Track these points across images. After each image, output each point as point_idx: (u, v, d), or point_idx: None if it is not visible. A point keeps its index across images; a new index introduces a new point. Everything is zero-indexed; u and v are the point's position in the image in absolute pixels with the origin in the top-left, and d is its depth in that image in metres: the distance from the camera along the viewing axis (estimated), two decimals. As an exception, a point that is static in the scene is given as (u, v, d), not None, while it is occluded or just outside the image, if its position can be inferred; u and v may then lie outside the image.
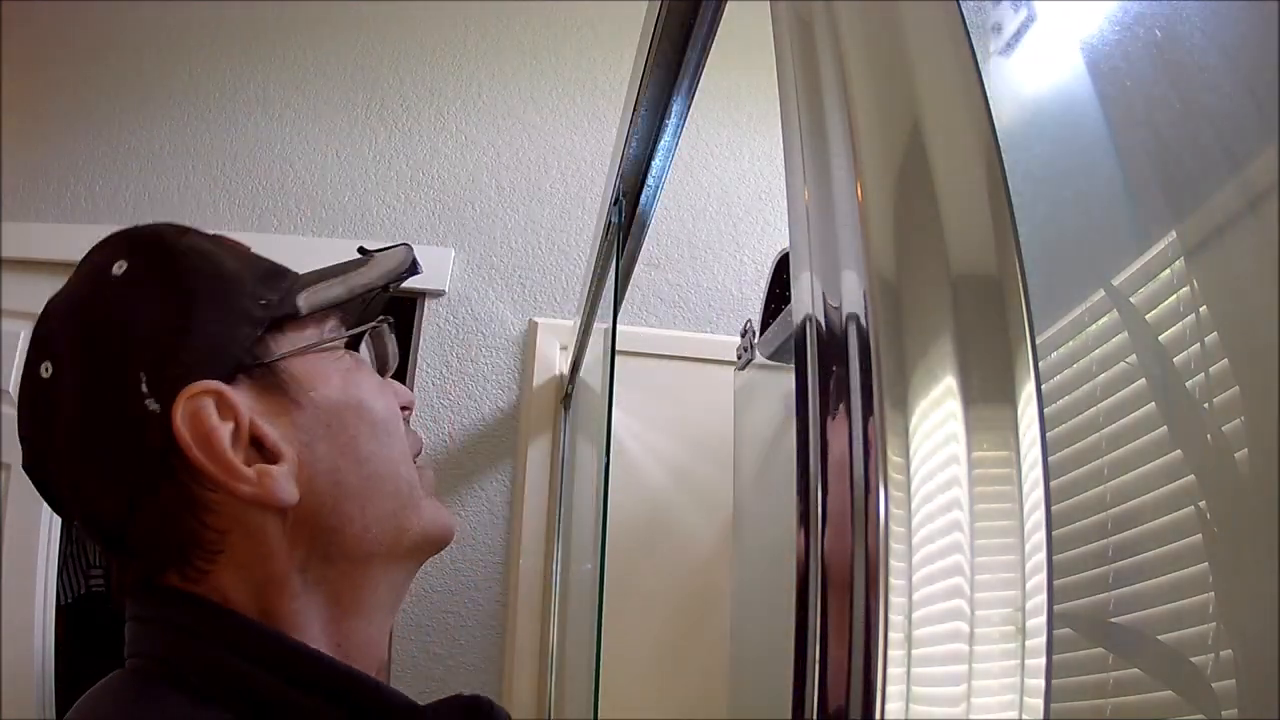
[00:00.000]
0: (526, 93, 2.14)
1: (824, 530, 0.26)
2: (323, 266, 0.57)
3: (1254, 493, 0.48)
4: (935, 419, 0.24)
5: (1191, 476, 0.54)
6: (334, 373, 0.54)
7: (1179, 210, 0.56)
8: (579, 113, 2.14)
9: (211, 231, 0.58)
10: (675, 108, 0.94)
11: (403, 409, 0.58)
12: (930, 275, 0.26)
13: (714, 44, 0.82)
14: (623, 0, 2.15)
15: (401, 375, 1.89)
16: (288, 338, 0.53)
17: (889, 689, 0.23)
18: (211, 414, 0.48)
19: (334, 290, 0.56)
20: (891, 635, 0.23)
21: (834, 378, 0.27)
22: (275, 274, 0.55)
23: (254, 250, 0.58)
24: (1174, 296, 0.56)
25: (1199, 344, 0.54)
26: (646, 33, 0.83)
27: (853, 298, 0.27)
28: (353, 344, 0.59)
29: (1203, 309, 0.54)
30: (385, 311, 0.62)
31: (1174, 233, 0.56)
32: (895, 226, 0.27)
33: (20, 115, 2.01)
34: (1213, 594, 0.51)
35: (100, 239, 0.56)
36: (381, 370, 0.62)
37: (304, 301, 0.54)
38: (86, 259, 0.55)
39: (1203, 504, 0.52)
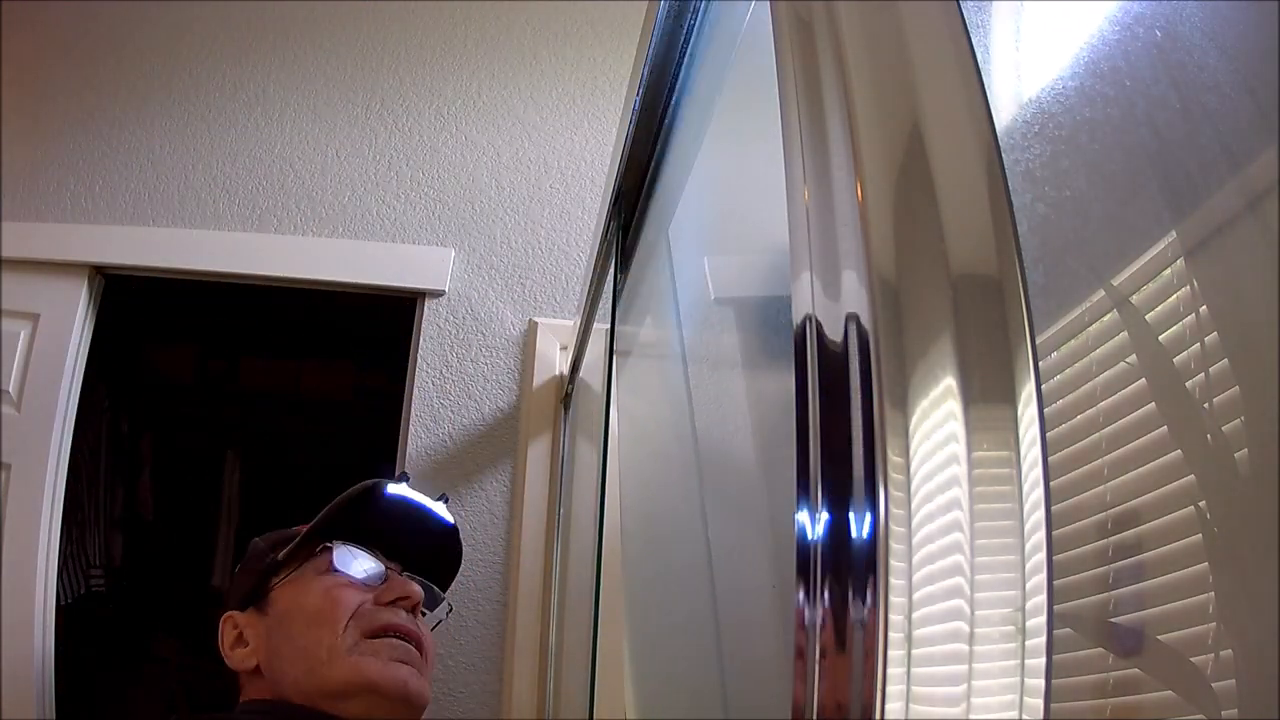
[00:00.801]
0: (526, 93, 2.14)
1: (824, 530, 0.26)
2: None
3: (1254, 493, 0.48)
4: (935, 419, 0.24)
5: (1191, 476, 0.54)
6: (298, 591, 0.94)
7: (1179, 210, 0.56)
8: (579, 113, 2.14)
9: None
10: (674, 108, 0.94)
11: (399, 599, 0.94)
12: (930, 275, 0.26)
13: (713, 43, 0.82)
14: (623, 0, 2.15)
15: (401, 375, 1.89)
16: (280, 575, 0.97)
17: (889, 689, 0.23)
18: (229, 629, 0.97)
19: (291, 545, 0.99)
20: (891, 635, 0.23)
21: (834, 378, 0.27)
22: (274, 542, 1.02)
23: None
24: (1174, 296, 0.56)
25: (1199, 344, 0.54)
26: (646, 33, 0.83)
27: (853, 298, 0.27)
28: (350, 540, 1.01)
29: (1203, 309, 0.54)
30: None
31: (1174, 233, 0.56)
32: (895, 226, 0.27)
33: (20, 115, 2.01)
34: (1213, 594, 0.51)
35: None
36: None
37: (281, 554, 0.97)
38: None
39: (1203, 504, 0.52)
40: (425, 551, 1.04)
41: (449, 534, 1.08)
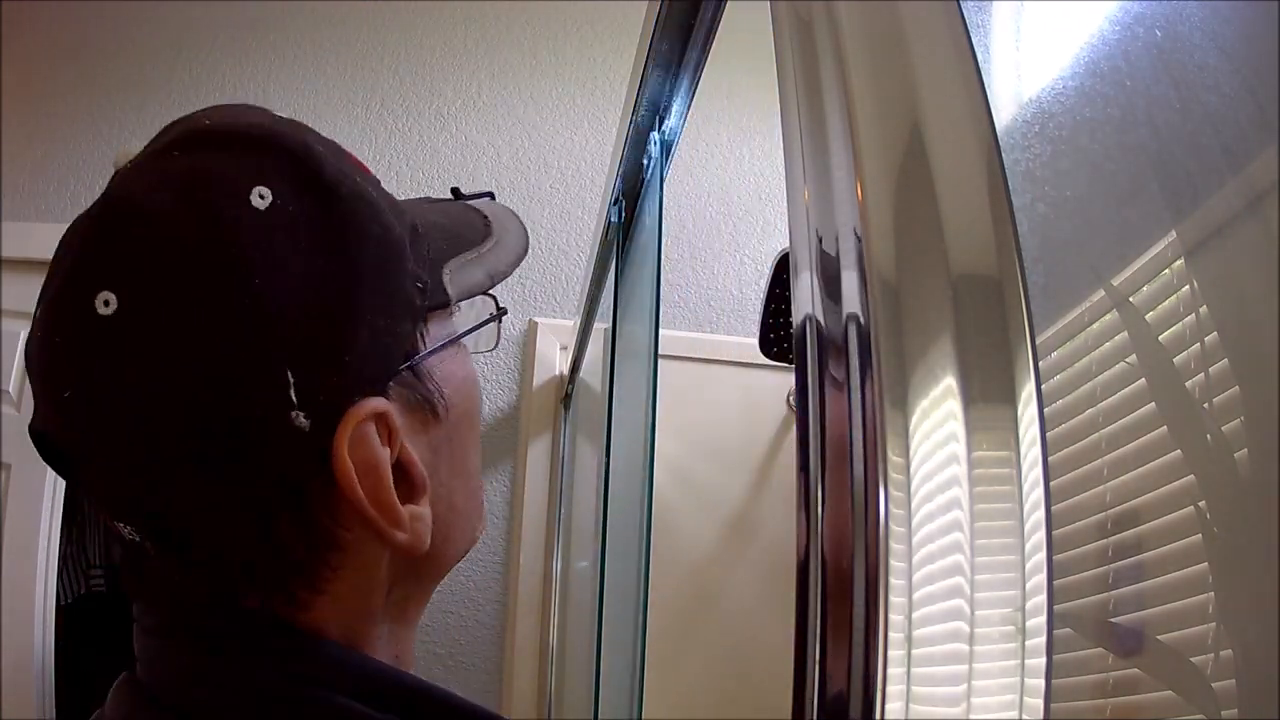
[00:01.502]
0: (526, 93, 2.14)
1: (824, 530, 0.26)
2: (440, 227, 0.46)
3: (1254, 493, 0.48)
4: (935, 419, 0.24)
5: (1191, 476, 0.54)
6: (458, 372, 0.45)
7: (1179, 210, 0.56)
8: (579, 113, 2.14)
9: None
10: (675, 108, 0.94)
11: None
12: (930, 275, 0.26)
13: (714, 44, 0.82)
14: (623, 0, 2.15)
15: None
16: (430, 331, 0.43)
17: (889, 689, 0.23)
18: (376, 446, 0.39)
19: (476, 276, 0.46)
20: (891, 635, 0.23)
21: (834, 378, 0.27)
22: (415, 236, 0.43)
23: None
24: (1174, 296, 0.56)
25: (1199, 344, 0.54)
26: (646, 33, 0.83)
27: (853, 298, 0.27)
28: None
29: (1203, 309, 0.54)
30: None
31: (1174, 233, 0.56)
32: (895, 226, 0.27)
33: (21, 115, 2.01)
34: (1213, 594, 0.51)
35: (207, 115, 0.41)
36: None
37: (454, 289, 0.44)
38: (199, 156, 0.39)
39: (1203, 504, 0.52)
40: None
41: None
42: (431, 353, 0.42)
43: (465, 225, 0.48)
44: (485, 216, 0.49)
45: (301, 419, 0.37)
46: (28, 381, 0.43)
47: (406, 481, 0.41)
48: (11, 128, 1.99)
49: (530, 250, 2.00)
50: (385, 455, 0.39)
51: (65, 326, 0.37)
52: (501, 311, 0.50)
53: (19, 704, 1.62)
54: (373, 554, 0.41)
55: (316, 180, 0.39)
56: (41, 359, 0.39)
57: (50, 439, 0.40)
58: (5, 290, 1.78)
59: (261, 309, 0.36)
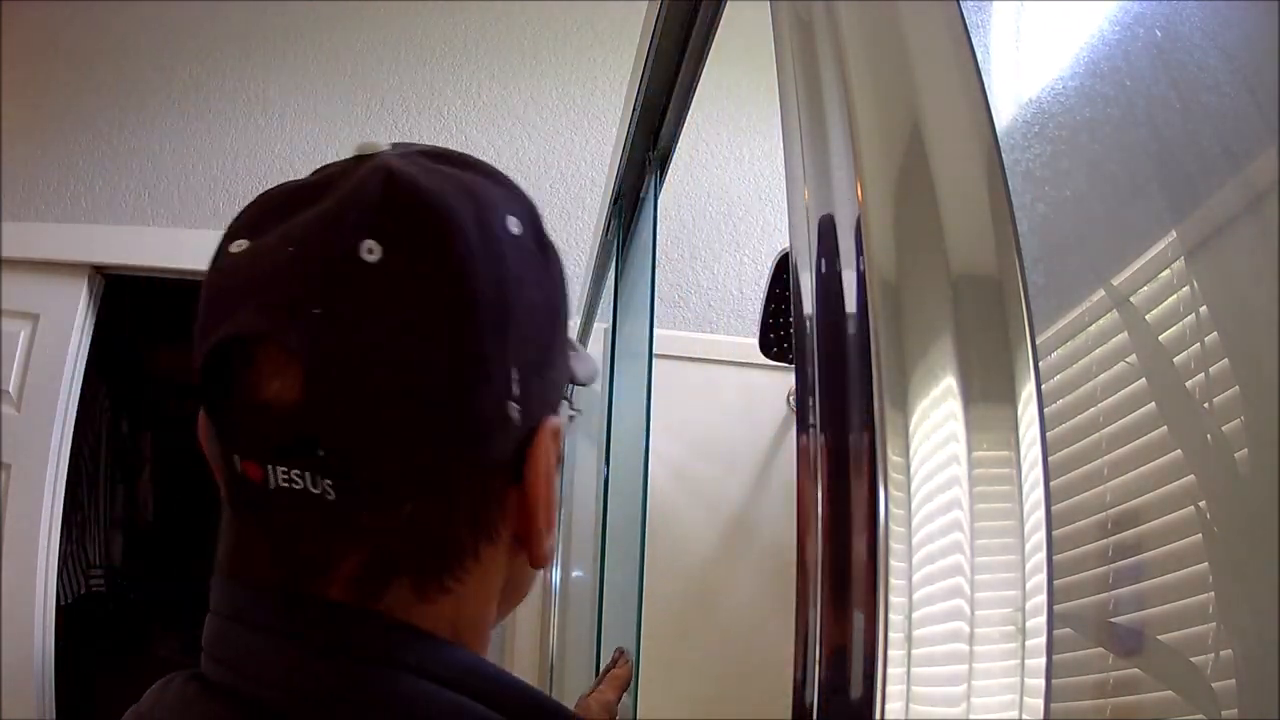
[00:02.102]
0: (526, 93, 2.14)
1: (824, 530, 0.26)
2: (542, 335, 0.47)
3: (1254, 493, 0.48)
4: (935, 419, 0.24)
5: (1191, 476, 0.54)
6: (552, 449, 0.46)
7: (1179, 210, 0.56)
8: (579, 113, 2.14)
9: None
10: (675, 107, 0.94)
11: None
12: (930, 275, 0.26)
13: (714, 44, 0.82)
14: (623, 0, 2.15)
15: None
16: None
17: (889, 689, 0.23)
18: (554, 458, 0.42)
19: (586, 369, 0.51)
20: (891, 635, 0.23)
21: (834, 378, 0.27)
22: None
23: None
24: (1174, 296, 0.56)
25: (1199, 344, 0.54)
26: (646, 33, 0.83)
27: (853, 298, 0.27)
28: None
29: (1203, 309, 0.54)
30: None
31: (1174, 233, 0.56)
32: (895, 226, 0.27)
33: (20, 115, 2.00)
34: (1213, 594, 0.51)
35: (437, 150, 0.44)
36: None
37: (580, 371, 0.48)
38: (468, 174, 0.43)
39: (1203, 504, 0.52)
40: None
41: None
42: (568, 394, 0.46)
43: (563, 340, 0.50)
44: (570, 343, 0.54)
45: (515, 410, 0.40)
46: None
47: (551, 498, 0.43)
48: (11, 128, 1.99)
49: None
50: (551, 472, 0.42)
51: (325, 256, 0.38)
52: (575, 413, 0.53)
53: (19, 704, 1.62)
54: (504, 561, 0.42)
55: (541, 229, 0.45)
56: (288, 270, 0.38)
57: (264, 341, 0.38)
58: (5, 290, 1.78)
59: (505, 307, 0.39)
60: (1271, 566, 0.44)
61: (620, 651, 0.88)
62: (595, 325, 1.57)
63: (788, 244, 0.32)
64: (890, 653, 0.23)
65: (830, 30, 0.31)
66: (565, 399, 0.45)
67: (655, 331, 0.99)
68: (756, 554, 1.80)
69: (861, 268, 0.26)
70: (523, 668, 1.77)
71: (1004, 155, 0.28)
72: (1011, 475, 0.24)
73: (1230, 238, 0.51)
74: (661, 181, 1.05)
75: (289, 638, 0.38)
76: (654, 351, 0.99)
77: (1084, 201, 0.60)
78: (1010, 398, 0.25)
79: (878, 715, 0.23)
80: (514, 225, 0.42)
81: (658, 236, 1.00)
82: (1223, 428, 0.52)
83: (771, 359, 1.47)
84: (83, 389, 1.79)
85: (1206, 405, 0.53)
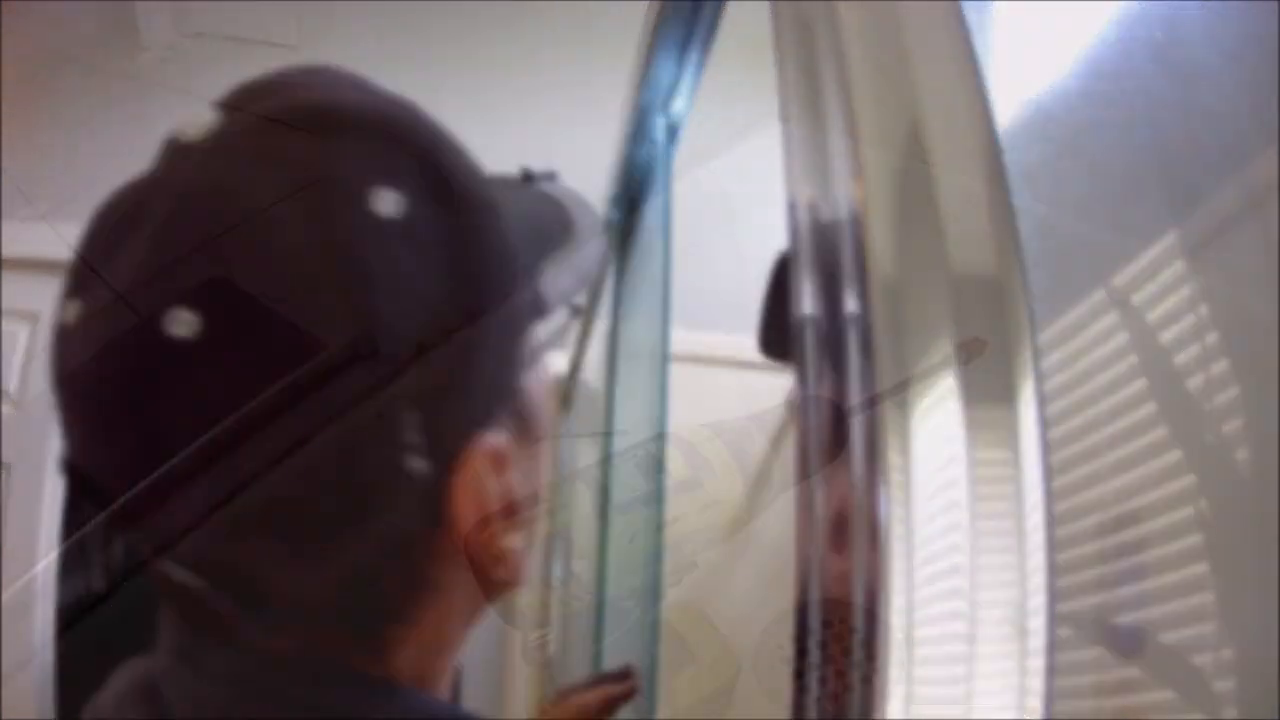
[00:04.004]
0: (526, 92, 2.14)
1: (824, 531, 0.26)
2: (528, 223, 0.40)
3: (1254, 493, 0.48)
4: (935, 419, 0.24)
5: (1191, 476, 0.54)
6: (540, 384, 0.38)
7: (1179, 210, 0.56)
8: (579, 112, 2.14)
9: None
10: (675, 107, 0.94)
11: None
12: (930, 275, 0.26)
13: (714, 44, 0.82)
14: (623, 0, 2.15)
15: (401, 375, 1.89)
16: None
17: (889, 689, 0.23)
18: (490, 485, 0.33)
19: (568, 280, 0.40)
20: (892, 635, 0.23)
21: (834, 378, 0.27)
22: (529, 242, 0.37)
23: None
24: (1174, 296, 0.56)
25: (1199, 344, 0.54)
26: (646, 33, 0.83)
27: (853, 298, 0.27)
28: None
29: (1203, 309, 0.54)
30: None
31: (1174, 233, 0.56)
32: (895, 227, 0.27)
33: (20, 115, 2.00)
34: (1213, 594, 0.51)
35: (303, 82, 0.35)
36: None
37: (552, 297, 0.38)
38: (311, 144, 0.33)
39: (1203, 504, 0.52)
40: None
41: None
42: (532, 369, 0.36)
43: (549, 219, 0.42)
44: (564, 206, 0.44)
45: (418, 463, 0.31)
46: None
47: (506, 516, 0.35)
48: (11, 128, 1.99)
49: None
50: (496, 493, 0.33)
51: (129, 343, 0.31)
52: (575, 308, 0.43)
53: (19, 704, 1.62)
54: (461, 580, 0.36)
55: (445, 182, 0.34)
56: (98, 372, 0.32)
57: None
58: (5, 290, 1.78)
59: (370, 340, 0.30)
60: (1271, 566, 0.44)
61: (629, 671, 0.79)
62: (595, 325, 1.57)
63: (787, 244, 0.32)
64: (890, 653, 0.23)
65: (830, 30, 0.31)
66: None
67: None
68: (756, 554, 1.80)
69: (861, 268, 0.26)
70: (523, 669, 1.77)
71: (1004, 155, 0.28)
72: (1011, 475, 0.24)
73: (1230, 238, 0.51)
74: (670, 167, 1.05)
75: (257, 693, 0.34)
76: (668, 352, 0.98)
77: (1084, 201, 0.60)
78: (1010, 398, 0.25)
79: (878, 715, 0.23)
80: (387, 203, 0.32)
81: (670, 232, 1.00)
82: (1223, 428, 0.52)
83: (771, 359, 1.46)
84: (83, 389, 1.79)
85: (1206, 405, 0.54)
